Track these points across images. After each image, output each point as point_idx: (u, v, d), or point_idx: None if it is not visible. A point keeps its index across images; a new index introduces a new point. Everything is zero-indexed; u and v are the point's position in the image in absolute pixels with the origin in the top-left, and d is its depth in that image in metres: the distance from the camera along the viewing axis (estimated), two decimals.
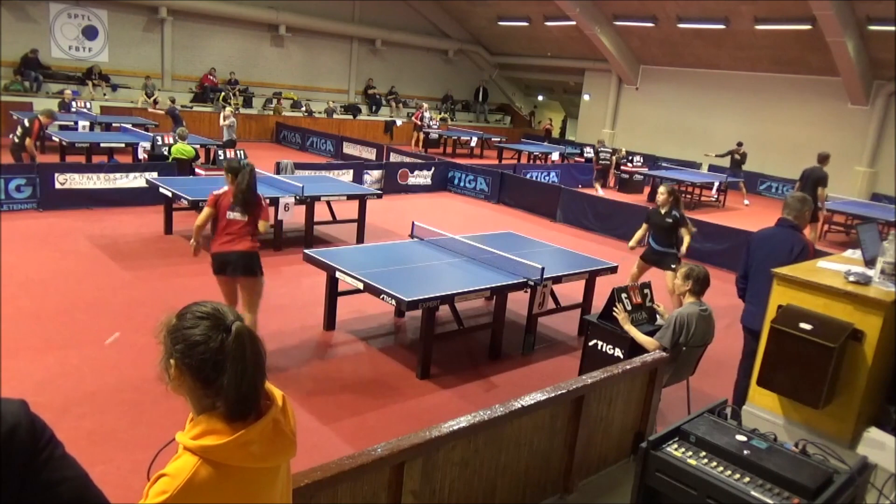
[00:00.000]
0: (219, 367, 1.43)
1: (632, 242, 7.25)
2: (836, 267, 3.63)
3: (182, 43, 20.21)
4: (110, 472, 3.76)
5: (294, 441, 1.55)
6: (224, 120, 14.89)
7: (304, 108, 21.62)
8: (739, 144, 17.48)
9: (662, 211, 6.91)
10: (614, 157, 17.28)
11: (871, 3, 15.03)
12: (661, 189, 7.02)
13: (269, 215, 5.00)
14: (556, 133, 27.65)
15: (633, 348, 4.63)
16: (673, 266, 6.66)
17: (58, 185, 9.65)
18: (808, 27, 16.42)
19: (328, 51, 23.38)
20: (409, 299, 4.97)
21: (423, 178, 14.40)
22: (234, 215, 5.00)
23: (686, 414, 4.41)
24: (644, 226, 7.15)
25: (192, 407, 1.50)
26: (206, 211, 5.15)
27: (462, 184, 14.61)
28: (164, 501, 1.36)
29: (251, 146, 16.39)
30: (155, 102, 18.42)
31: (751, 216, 15.20)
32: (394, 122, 23.07)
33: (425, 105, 22.14)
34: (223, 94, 19.99)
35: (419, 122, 21.14)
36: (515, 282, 5.74)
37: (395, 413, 4.82)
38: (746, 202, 16.93)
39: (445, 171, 14.82)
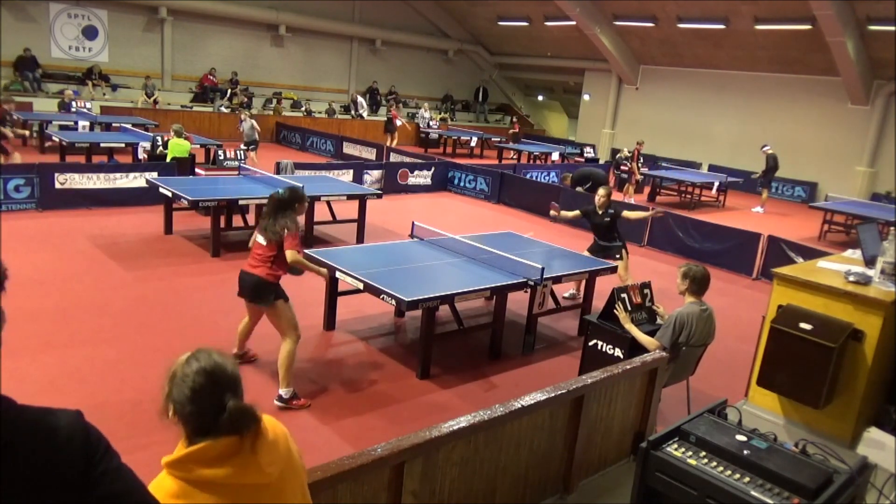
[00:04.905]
0: (205, 430, 1.55)
1: (568, 214, 7.60)
2: (836, 267, 3.63)
3: (182, 43, 20.21)
4: None
5: (265, 472, 1.58)
6: (243, 122, 14.91)
7: (304, 108, 21.63)
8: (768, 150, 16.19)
9: (600, 212, 7.36)
10: (617, 158, 17.22)
11: (871, 3, 15.02)
12: (601, 192, 7.40)
13: (297, 244, 4.75)
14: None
15: (633, 348, 4.63)
16: (618, 256, 7.30)
17: (58, 185, 9.64)
18: (808, 27, 16.40)
19: (328, 51, 23.38)
20: (409, 299, 4.97)
21: (423, 178, 14.40)
22: (259, 239, 4.82)
23: (686, 414, 4.41)
24: (577, 211, 7.61)
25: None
26: None
27: (462, 184, 14.61)
28: None
29: None
30: (155, 103, 18.43)
31: (750, 216, 15.19)
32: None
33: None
34: (232, 92, 20.00)
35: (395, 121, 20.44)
36: (515, 282, 5.74)
37: (395, 413, 4.82)
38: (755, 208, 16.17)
39: (445, 171, 14.82)
